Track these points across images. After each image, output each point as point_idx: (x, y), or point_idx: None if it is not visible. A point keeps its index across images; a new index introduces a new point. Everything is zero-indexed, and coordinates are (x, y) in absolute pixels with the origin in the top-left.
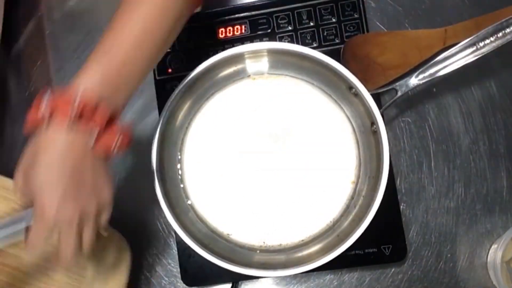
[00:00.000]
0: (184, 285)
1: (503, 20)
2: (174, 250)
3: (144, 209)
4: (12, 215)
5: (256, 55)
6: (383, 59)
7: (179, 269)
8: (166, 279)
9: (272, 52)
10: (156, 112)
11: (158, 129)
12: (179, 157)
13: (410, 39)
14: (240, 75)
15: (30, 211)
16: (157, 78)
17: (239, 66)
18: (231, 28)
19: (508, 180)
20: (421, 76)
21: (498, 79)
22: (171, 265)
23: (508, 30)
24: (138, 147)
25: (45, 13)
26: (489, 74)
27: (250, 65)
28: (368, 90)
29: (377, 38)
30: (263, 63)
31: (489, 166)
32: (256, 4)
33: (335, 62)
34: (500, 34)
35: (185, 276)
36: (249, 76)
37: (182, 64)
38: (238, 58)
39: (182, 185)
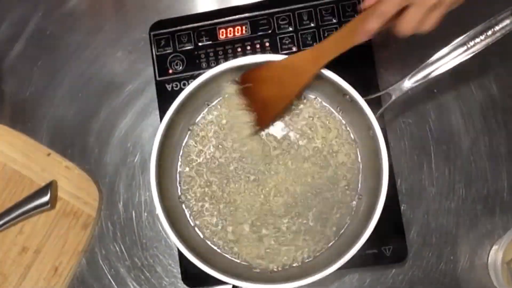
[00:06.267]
0: (185, 285)
1: (492, 18)
2: (174, 251)
3: (145, 210)
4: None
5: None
6: (266, 93)
7: (179, 270)
8: (167, 279)
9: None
10: (157, 112)
11: (160, 134)
12: (179, 171)
13: (287, 67)
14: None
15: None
16: (158, 78)
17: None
18: (231, 29)
19: (508, 181)
20: (414, 79)
21: (498, 79)
22: (172, 265)
23: (497, 27)
24: (138, 148)
25: (45, 13)
26: (489, 74)
27: None
28: (262, 128)
29: (257, 73)
30: None
31: (489, 167)
32: (256, 4)
33: (325, 70)
34: (489, 32)
35: (186, 277)
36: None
37: (182, 65)
38: (235, 70)
39: (181, 197)
